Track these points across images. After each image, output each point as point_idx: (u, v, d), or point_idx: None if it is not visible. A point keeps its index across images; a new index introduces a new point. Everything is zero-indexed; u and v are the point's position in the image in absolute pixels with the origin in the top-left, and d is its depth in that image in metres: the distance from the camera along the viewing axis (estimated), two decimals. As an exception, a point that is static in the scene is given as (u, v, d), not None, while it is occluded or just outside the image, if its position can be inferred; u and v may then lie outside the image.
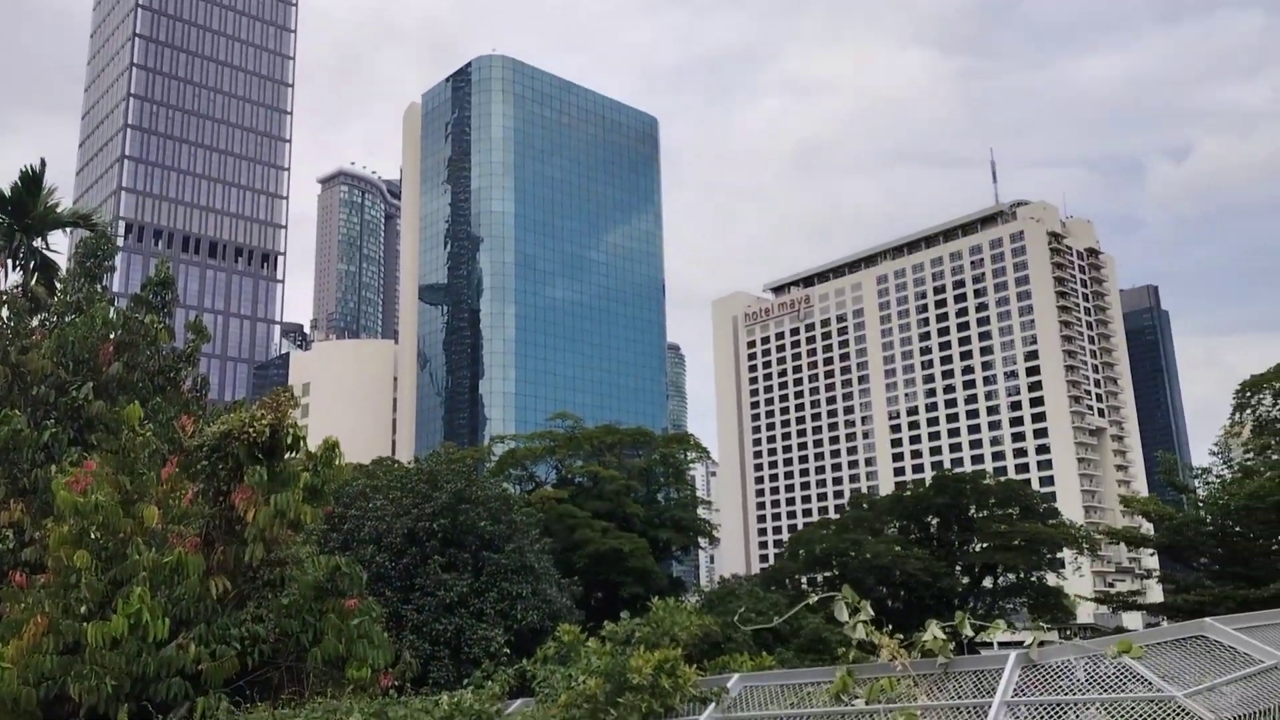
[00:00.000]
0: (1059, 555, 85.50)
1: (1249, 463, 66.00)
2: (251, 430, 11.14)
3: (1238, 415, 79.33)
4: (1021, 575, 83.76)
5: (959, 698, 6.73)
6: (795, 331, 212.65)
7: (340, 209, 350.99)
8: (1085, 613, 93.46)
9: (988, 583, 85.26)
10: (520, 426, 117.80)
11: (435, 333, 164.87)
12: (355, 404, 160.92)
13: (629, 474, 75.09)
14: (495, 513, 29.57)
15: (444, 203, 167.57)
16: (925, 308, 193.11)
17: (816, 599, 8.25)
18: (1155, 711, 5.90)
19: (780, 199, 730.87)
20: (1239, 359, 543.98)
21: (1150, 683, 6.06)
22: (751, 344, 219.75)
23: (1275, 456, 64.31)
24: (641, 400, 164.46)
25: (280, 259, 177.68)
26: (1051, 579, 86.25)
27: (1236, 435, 77.61)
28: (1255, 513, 38.87)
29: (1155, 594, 63.55)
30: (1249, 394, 78.50)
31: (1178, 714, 5.78)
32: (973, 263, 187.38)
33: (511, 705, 9.20)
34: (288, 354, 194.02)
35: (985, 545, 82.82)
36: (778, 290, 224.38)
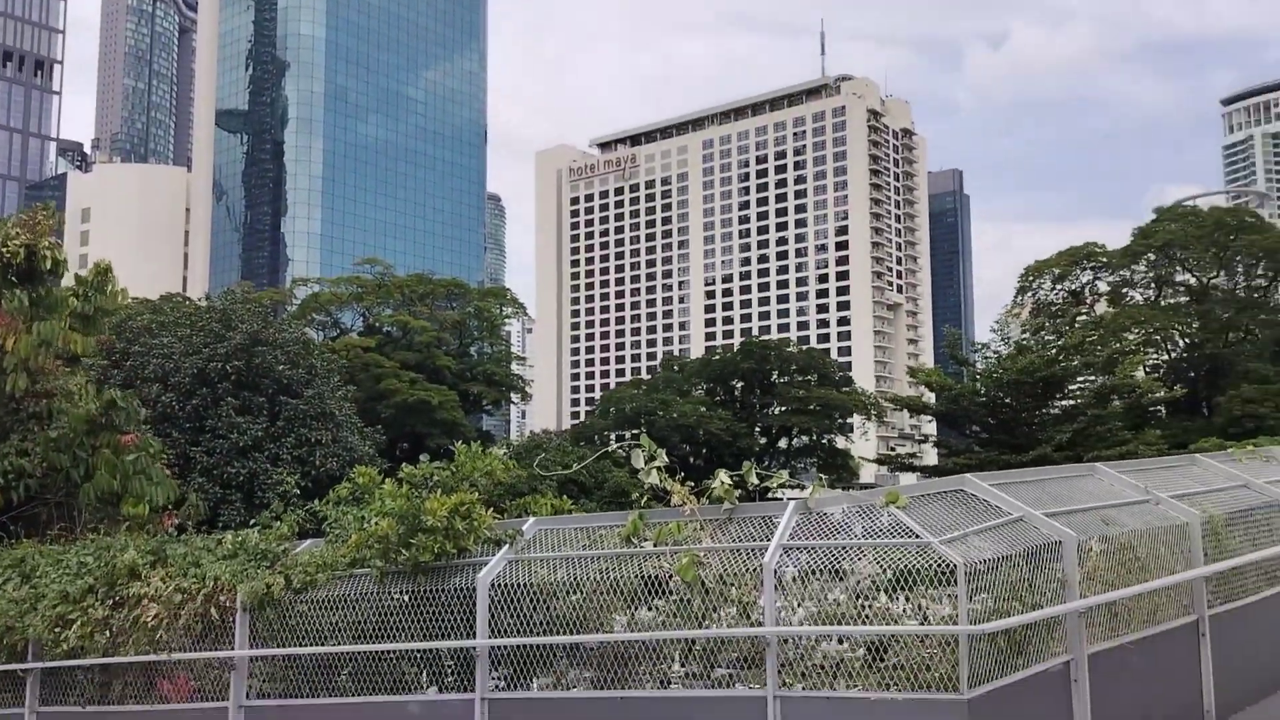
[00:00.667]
0: (849, 420, 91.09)
1: (1024, 341, 71.78)
2: (4, 251, 10.04)
3: (1020, 298, 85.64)
4: (814, 438, 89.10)
5: (741, 541, 7.02)
6: (620, 191, 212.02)
7: (127, 16, 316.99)
8: (868, 473, 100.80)
9: (784, 444, 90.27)
10: (326, 270, 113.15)
11: (234, 163, 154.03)
12: (142, 235, 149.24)
13: (441, 326, 74.03)
14: (294, 357, 28.47)
15: (246, 20, 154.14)
16: (747, 176, 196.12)
17: (615, 447, 8.35)
18: (914, 555, 6.34)
19: (613, 53, 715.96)
20: (1028, 246, 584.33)
21: (912, 530, 6.47)
22: (575, 200, 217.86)
23: (1048, 336, 70.17)
24: (457, 251, 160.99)
25: (57, 68, 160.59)
26: (841, 442, 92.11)
27: (1016, 316, 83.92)
28: (1024, 386, 42.33)
29: (932, 458, 68.94)
30: (1031, 279, 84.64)
31: (933, 557, 6.22)
32: (795, 134, 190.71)
33: (300, 545, 9.00)
34: (65, 175, 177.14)
35: (784, 409, 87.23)
36: (604, 147, 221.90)
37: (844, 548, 6.59)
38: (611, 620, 7.04)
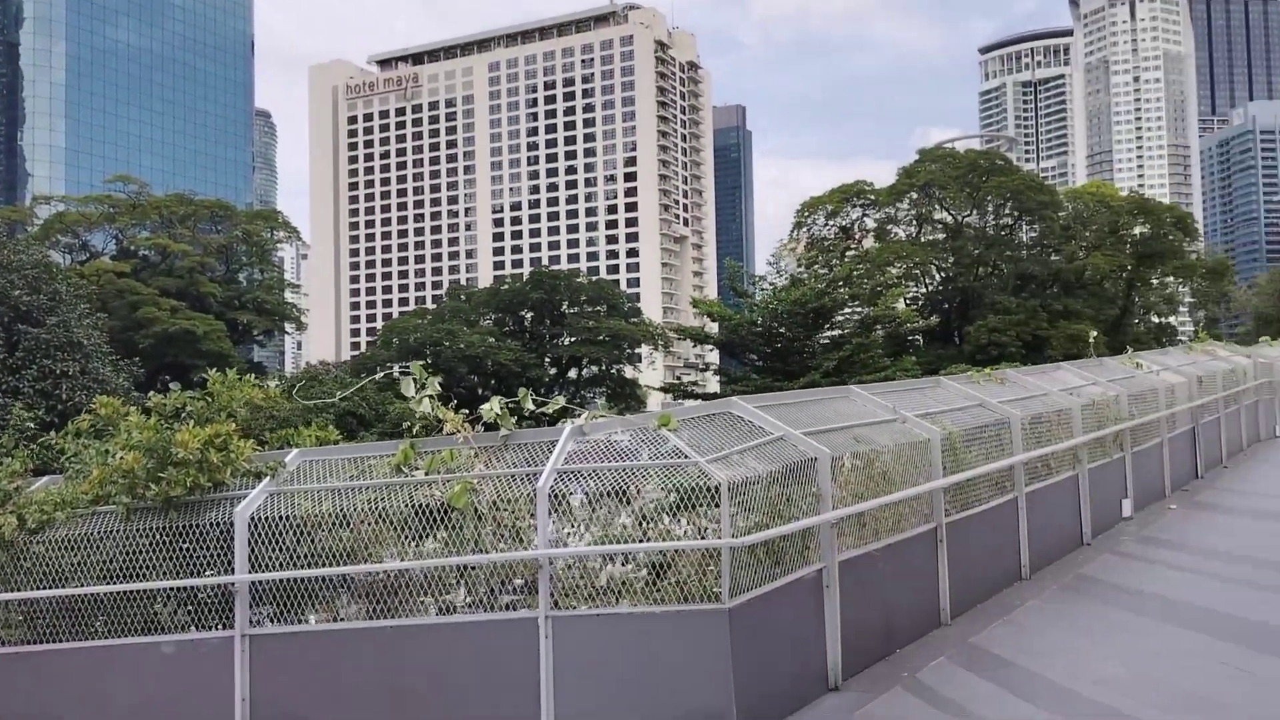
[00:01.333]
0: (638, 350, 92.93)
1: (798, 274, 75.13)
2: None
3: (795, 232, 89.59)
4: (604, 368, 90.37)
5: (516, 467, 7.00)
6: (402, 112, 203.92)
7: None
8: (655, 402, 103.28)
9: (574, 374, 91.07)
10: (72, 188, 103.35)
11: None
12: None
13: (205, 251, 69.38)
14: (34, 282, 25.90)
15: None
16: (535, 102, 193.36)
17: (382, 374, 8.11)
18: (681, 474, 6.53)
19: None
20: (805, 182, 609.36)
21: (681, 450, 6.65)
22: (354, 120, 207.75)
23: (820, 270, 73.80)
24: (222, 170, 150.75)
25: None
26: (630, 372, 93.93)
27: (793, 250, 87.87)
28: (797, 317, 44.35)
29: (714, 386, 71.51)
30: (806, 214, 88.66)
31: (699, 475, 6.44)
32: (583, 61, 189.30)
33: (36, 483, 8.25)
34: None
35: (574, 339, 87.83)
36: (385, 64, 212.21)
37: (621, 469, 6.70)
38: (382, 552, 6.89)
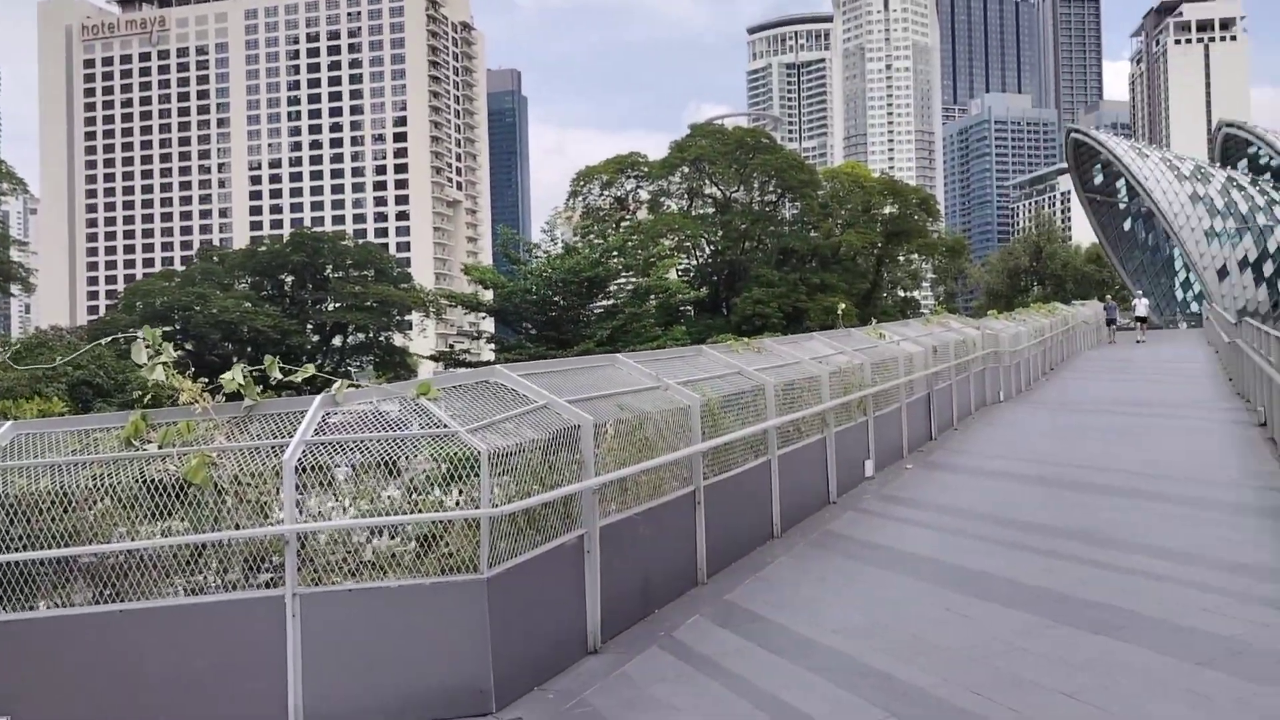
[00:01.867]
0: (408, 318, 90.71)
1: (574, 243, 75.64)
2: None
3: (571, 201, 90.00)
4: (371, 335, 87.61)
5: (261, 439, 6.61)
6: (147, 57, 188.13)
7: None
8: (426, 370, 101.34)
9: (338, 341, 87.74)
10: None
11: None
12: None
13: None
14: None
15: None
16: (297, 54, 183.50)
17: (111, 340, 7.43)
18: (440, 445, 6.38)
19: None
20: (581, 152, 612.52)
21: (440, 420, 6.50)
22: (90, 63, 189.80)
23: (596, 240, 74.51)
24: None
25: None
26: (399, 340, 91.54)
27: (569, 219, 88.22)
28: (571, 285, 44.80)
29: (489, 355, 70.96)
30: (582, 183, 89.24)
31: (459, 445, 6.32)
32: (350, 14, 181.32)
33: None
34: None
35: (339, 305, 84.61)
36: (126, 4, 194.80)
37: (385, 440, 6.46)
38: (111, 532, 6.33)
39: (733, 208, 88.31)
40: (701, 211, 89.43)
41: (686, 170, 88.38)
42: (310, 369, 7.36)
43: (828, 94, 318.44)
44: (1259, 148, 77.58)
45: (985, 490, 13.29)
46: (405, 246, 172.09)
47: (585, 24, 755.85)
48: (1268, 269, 69.65)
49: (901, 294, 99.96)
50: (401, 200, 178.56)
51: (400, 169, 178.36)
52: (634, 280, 49.94)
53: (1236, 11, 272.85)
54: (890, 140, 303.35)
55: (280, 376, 7.14)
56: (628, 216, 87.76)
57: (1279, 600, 7.71)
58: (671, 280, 61.19)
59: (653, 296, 52.07)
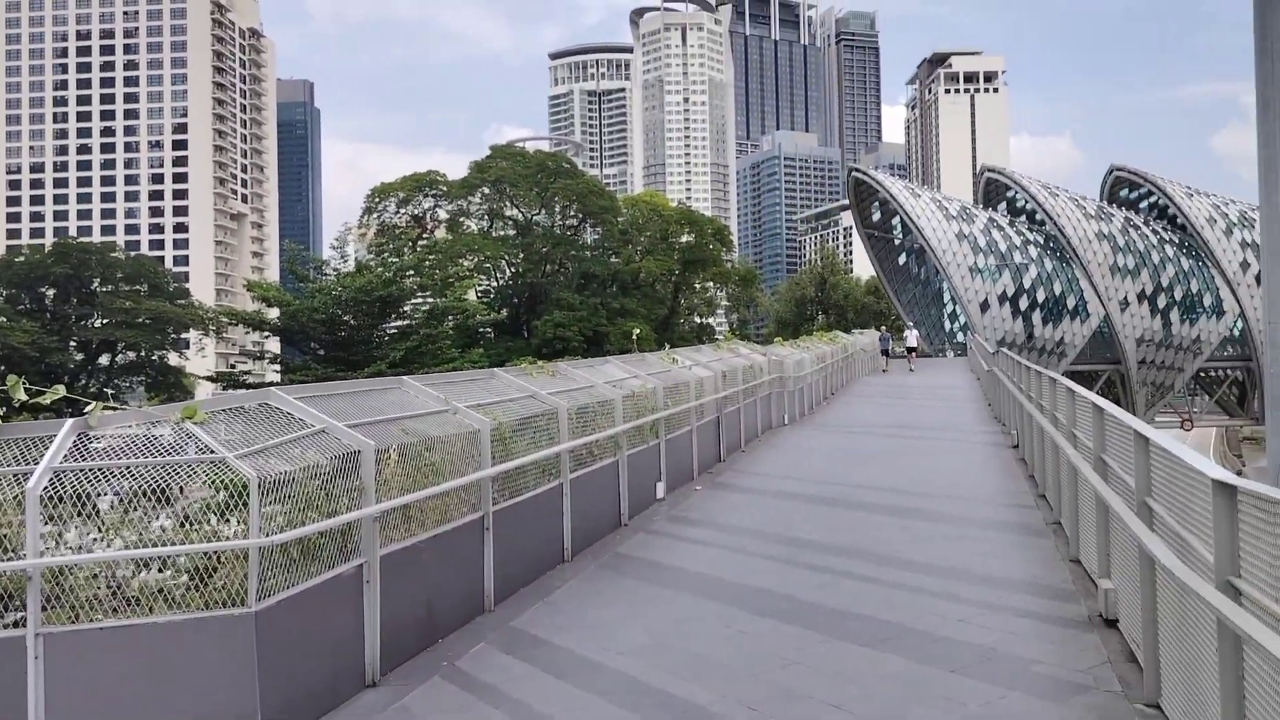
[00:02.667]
0: (185, 336, 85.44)
1: (368, 261, 73.52)
2: None
3: (366, 218, 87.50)
4: (143, 354, 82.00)
5: (4, 465, 6.04)
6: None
7: None
8: (204, 392, 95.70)
9: (105, 360, 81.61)
10: None
11: None
12: None
13: None
14: None
15: None
16: (65, 51, 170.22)
17: None
18: (207, 471, 6.03)
19: None
20: (378, 167, 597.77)
21: (207, 445, 6.14)
22: None
23: (391, 259, 72.77)
24: None
25: None
26: (175, 359, 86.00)
27: (363, 236, 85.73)
28: (362, 304, 43.42)
29: (274, 376, 67.60)
30: (377, 200, 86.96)
31: (227, 472, 5.98)
32: (127, 13, 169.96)
33: None
34: None
35: (107, 321, 78.81)
36: None
37: (128, 466, 6.01)
38: None
39: (534, 230, 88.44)
40: (502, 233, 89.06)
41: (487, 191, 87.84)
42: (60, 390, 6.76)
43: (628, 123, 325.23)
44: (1016, 192, 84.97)
45: (768, 510, 13.81)
46: (184, 260, 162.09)
47: (385, 40, 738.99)
48: (1023, 303, 76.25)
49: (698, 320, 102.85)
50: (180, 211, 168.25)
51: (180, 178, 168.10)
52: (430, 300, 48.94)
53: (999, 66, 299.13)
54: (688, 171, 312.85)
55: (25, 398, 6.54)
56: (425, 235, 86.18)
57: (1024, 609, 8.40)
58: (470, 301, 60.50)
59: (450, 318, 51.21)
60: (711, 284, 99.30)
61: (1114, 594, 7.74)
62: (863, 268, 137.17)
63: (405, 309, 46.22)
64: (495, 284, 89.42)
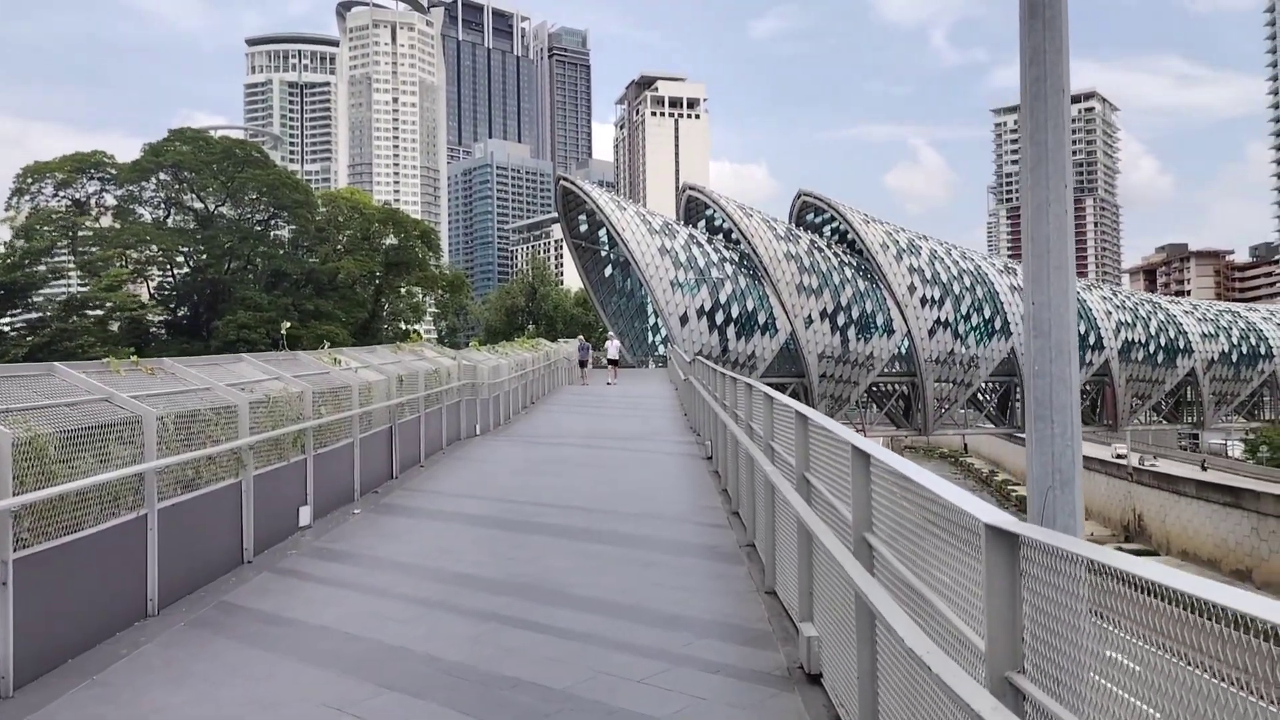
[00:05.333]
0: None
1: (18, 245, 63.98)
2: None
3: (17, 200, 76.15)
4: None
5: None
6: None
7: None
8: None
9: None
10: None
11: None
12: None
13: None
14: None
15: None
16: None
17: None
18: None
19: None
20: (47, 147, 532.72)
21: None
22: None
23: (36, 244, 63.75)
24: None
25: None
26: None
27: (11, 220, 74.39)
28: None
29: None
30: (30, 180, 75.94)
31: None
32: None
33: None
34: None
35: None
36: None
37: None
38: None
39: (217, 222, 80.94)
40: (181, 224, 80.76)
41: (165, 177, 79.35)
42: None
43: (333, 119, 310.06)
44: (714, 210, 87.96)
45: (434, 537, 11.78)
46: None
47: (56, 8, 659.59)
48: (719, 318, 78.79)
49: (403, 326, 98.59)
50: None
51: None
52: (75, 291, 42.58)
53: (701, 94, 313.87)
54: (397, 172, 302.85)
55: None
56: (90, 222, 76.31)
57: (714, 662, 6.94)
58: (119, 294, 53.35)
59: (97, 308, 44.63)
60: (418, 288, 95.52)
61: (817, 643, 6.41)
62: (573, 279, 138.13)
63: (36, 299, 39.76)
64: (172, 279, 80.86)
